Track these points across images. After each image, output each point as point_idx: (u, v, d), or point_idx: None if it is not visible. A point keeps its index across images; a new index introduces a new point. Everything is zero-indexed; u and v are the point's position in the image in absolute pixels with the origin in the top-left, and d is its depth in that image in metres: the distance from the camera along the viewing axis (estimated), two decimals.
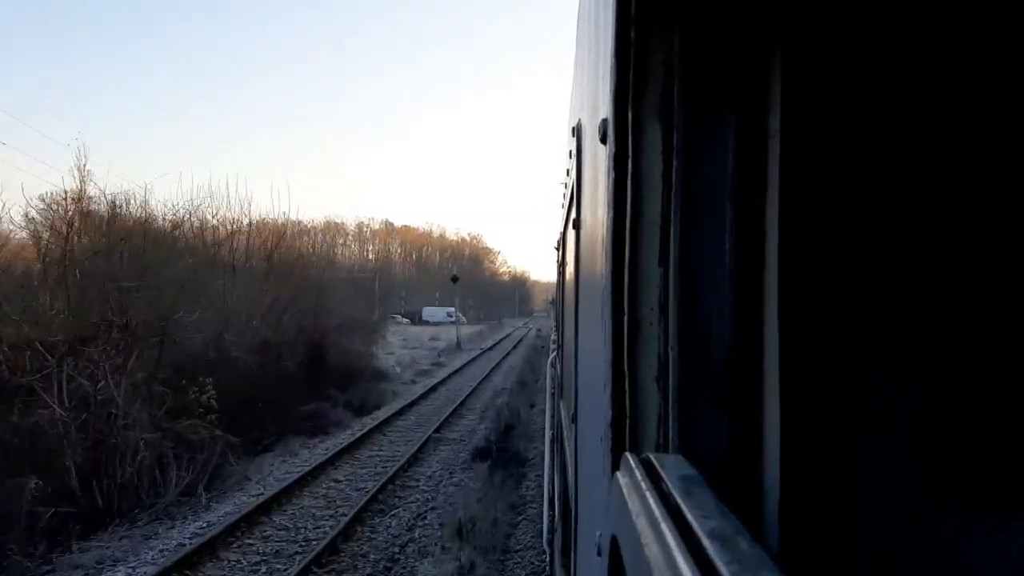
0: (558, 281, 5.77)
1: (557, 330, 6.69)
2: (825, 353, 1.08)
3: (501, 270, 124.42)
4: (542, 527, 5.32)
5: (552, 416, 5.74)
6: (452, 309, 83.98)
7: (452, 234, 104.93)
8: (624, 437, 0.93)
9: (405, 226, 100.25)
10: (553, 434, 5.43)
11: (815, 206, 1.05)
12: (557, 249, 5.04)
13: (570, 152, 1.92)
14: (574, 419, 1.80)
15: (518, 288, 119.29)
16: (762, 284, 0.92)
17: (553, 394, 5.97)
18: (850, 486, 1.07)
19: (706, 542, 0.60)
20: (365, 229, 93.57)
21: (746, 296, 0.92)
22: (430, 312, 76.71)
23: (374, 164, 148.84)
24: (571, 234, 2.08)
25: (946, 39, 1.02)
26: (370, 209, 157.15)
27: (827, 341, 1.08)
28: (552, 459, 5.45)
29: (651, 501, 0.72)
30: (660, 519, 0.66)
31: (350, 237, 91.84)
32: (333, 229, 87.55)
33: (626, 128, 0.91)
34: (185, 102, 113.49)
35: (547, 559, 5.12)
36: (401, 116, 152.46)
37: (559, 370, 4.80)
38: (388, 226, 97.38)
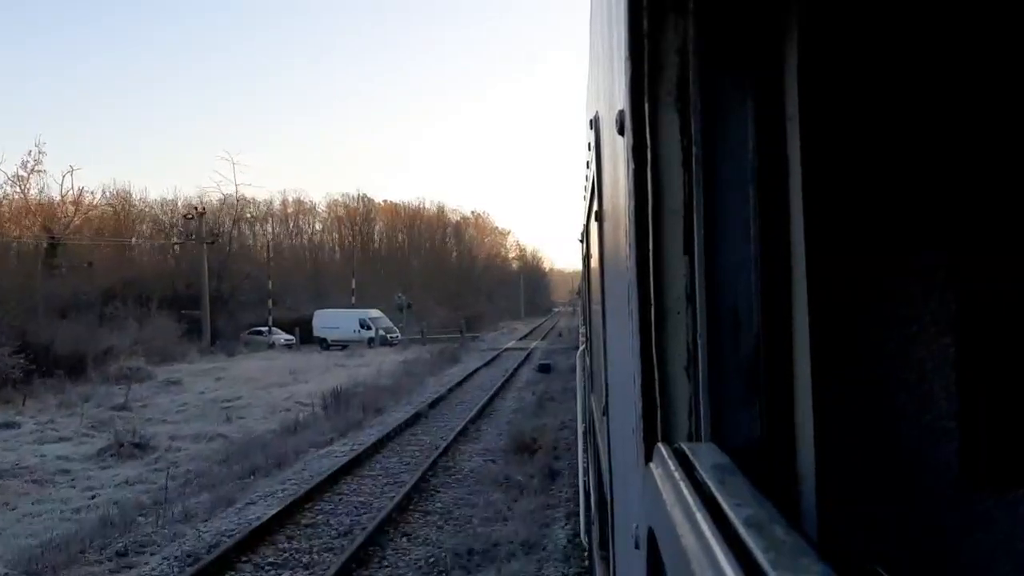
0: (583, 273, 6.82)
1: (585, 323, 8.06)
2: (856, 337, 1.14)
3: (511, 255, 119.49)
4: (579, 521, 6.47)
5: (584, 409, 6.79)
6: (373, 314, 54.73)
7: (450, 212, 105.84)
8: (656, 428, 1.00)
9: (388, 202, 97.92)
10: (586, 427, 6.36)
11: (839, 188, 1.12)
12: (581, 241, 5.72)
13: (589, 144, 2.05)
14: (605, 411, 1.94)
15: (526, 276, 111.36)
16: (789, 269, 0.99)
17: (584, 387, 6.92)
18: (887, 470, 1.13)
19: (742, 530, 0.62)
20: (338, 207, 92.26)
21: (774, 282, 0.99)
22: (327, 320, 53.85)
23: (375, 143, 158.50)
24: (594, 226, 2.30)
25: (966, 15, 1.11)
26: (367, 188, 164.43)
27: (858, 325, 1.14)
28: (586, 452, 6.30)
29: (685, 491, 0.74)
30: (695, 509, 0.68)
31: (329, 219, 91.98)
32: (297, 208, 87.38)
33: (643, 118, 1.00)
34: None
35: (586, 552, 5.96)
36: (406, 97, 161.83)
37: (589, 363, 5.33)
38: (365, 202, 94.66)
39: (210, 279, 50.18)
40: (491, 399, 22.36)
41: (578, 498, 7.67)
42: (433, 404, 21.48)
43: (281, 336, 50.62)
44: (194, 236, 50.37)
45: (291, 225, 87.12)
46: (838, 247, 1.09)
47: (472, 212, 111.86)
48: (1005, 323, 1.12)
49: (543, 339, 53.76)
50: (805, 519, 0.94)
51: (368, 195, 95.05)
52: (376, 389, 25.05)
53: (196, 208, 51.68)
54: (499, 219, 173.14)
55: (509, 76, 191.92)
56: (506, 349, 44.26)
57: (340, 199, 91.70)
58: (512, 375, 29.53)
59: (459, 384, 26.70)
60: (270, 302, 51.52)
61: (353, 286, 57.93)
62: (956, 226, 1.13)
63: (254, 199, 78.26)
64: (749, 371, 0.95)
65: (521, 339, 55.87)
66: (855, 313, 1.12)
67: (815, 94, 0.97)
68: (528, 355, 38.47)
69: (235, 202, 61.33)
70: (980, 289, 1.13)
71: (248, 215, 74.63)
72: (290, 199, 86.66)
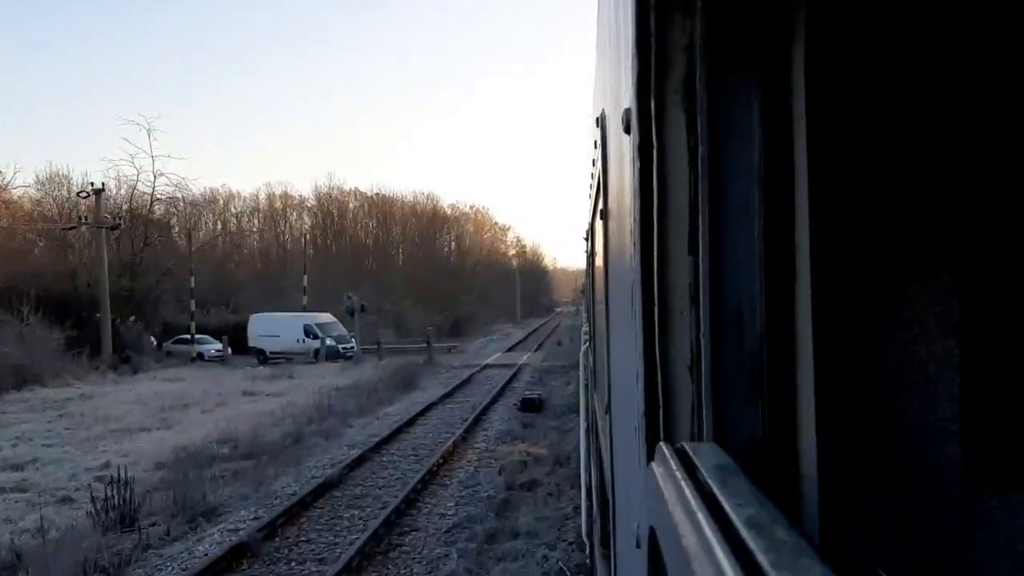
0: (587, 271, 7.18)
1: (589, 321, 8.56)
2: (859, 338, 1.13)
3: (511, 251, 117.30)
4: (581, 519, 6.94)
5: (586, 407, 7.29)
6: (323, 319, 44.86)
7: (447, 206, 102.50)
8: (658, 427, 1.02)
9: (379, 194, 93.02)
10: (588, 425, 6.75)
11: (845, 189, 1.12)
12: (586, 239, 6.14)
13: (595, 142, 2.02)
14: (608, 410, 1.93)
15: (526, 274, 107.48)
16: (794, 270, 1.01)
17: (587, 385, 7.42)
18: (889, 471, 1.13)
19: (743, 531, 0.63)
20: (327, 200, 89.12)
21: (778, 282, 1.00)
22: (265, 326, 43.15)
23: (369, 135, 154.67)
24: (599, 224, 2.23)
25: (969, 18, 1.10)
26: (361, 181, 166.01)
27: (861, 325, 1.13)
28: (588, 450, 6.53)
29: (687, 491, 0.76)
30: (696, 509, 0.70)
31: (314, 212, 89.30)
32: (283, 201, 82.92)
33: (649, 117, 1.02)
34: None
35: (587, 550, 6.14)
36: (406, 95, 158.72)
37: (592, 361, 5.76)
38: (356, 195, 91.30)
39: (121, 275, 42.96)
40: (422, 484, 12.75)
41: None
42: (307, 502, 11.70)
43: (211, 346, 43.85)
44: (85, 220, 40.88)
45: (279, 219, 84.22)
46: (844, 247, 1.09)
47: (471, 207, 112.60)
48: (1007, 325, 1.12)
49: (537, 349, 45.71)
50: (807, 519, 0.95)
51: (360, 189, 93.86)
52: (247, 450, 16.13)
53: (92, 184, 40.87)
54: (501, 216, 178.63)
55: (511, 72, 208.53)
56: (486, 366, 35.81)
57: (326, 190, 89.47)
58: (479, 418, 19.68)
59: (386, 441, 16.91)
60: (192, 303, 43.79)
61: (304, 283, 49.89)
62: (959, 226, 1.13)
63: (239, 193, 73.15)
64: (752, 371, 0.96)
65: (510, 349, 47.98)
66: (859, 314, 1.12)
67: (822, 94, 0.98)
68: (513, 375, 30.83)
69: (152, 178, 48.62)
70: (982, 290, 1.13)
71: (233, 209, 67.71)
72: (276, 192, 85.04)
